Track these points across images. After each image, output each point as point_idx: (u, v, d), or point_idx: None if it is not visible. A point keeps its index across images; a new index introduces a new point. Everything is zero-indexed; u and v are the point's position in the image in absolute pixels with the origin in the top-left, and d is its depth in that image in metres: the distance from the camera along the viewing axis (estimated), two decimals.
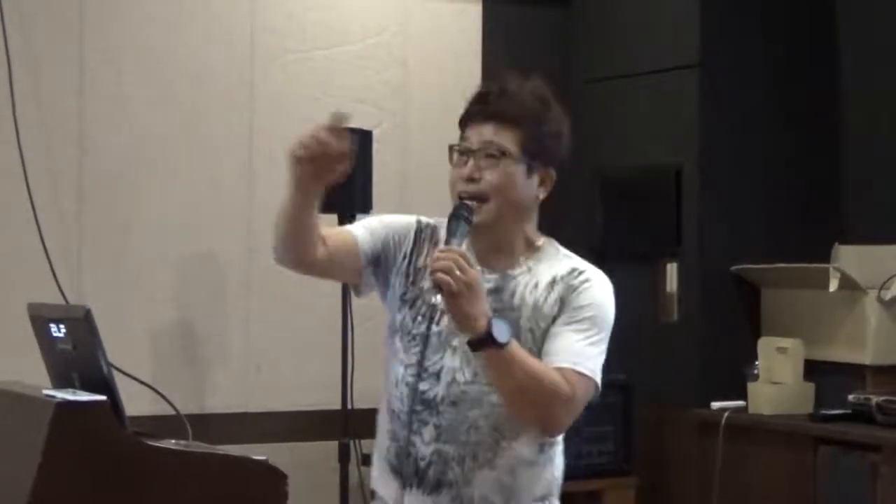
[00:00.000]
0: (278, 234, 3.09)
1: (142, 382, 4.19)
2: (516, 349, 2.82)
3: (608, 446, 5.71)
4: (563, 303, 2.92)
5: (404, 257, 3.05)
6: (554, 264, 2.98)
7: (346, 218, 5.31)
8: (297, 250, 3.07)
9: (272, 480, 3.50)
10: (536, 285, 2.95)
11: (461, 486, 2.94)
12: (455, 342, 2.93)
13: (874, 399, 5.11)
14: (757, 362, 5.56)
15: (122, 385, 3.48)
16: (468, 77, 6.09)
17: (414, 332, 2.99)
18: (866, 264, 5.39)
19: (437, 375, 2.96)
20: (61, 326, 3.54)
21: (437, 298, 2.81)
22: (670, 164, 5.86)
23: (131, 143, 5.46)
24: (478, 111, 2.98)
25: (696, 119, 5.79)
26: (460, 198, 2.93)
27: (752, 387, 5.54)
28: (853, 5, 5.92)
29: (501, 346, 2.78)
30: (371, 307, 5.91)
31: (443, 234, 2.96)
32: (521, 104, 2.97)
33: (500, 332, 2.78)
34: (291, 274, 5.85)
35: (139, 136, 5.48)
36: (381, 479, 3.07)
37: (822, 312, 5.55)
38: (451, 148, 2.99)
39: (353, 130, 5.46)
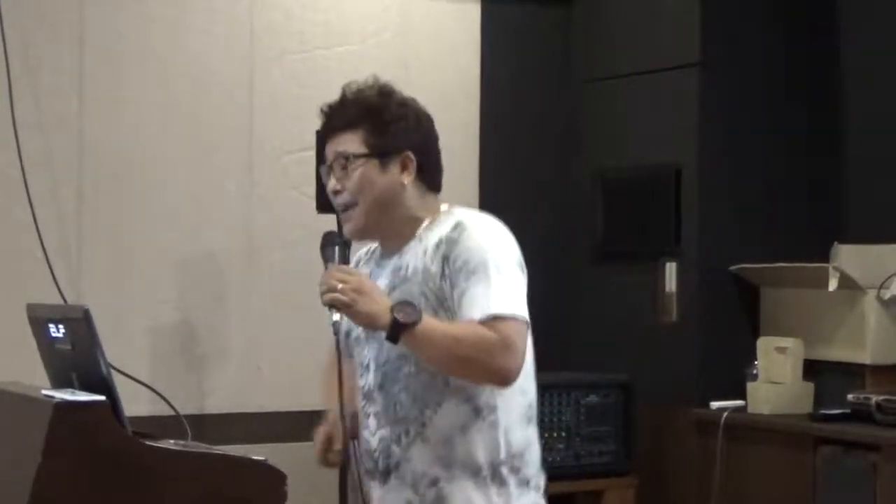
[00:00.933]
0: None
1: (141, 383, 4.19)
2: (430, 322, 2.87)
3: (608, 446, 5.71)
4: (446, 260, 2.95)
5: None
6: (442, 227, 3.02)
7: None
8: None
9: (272, 480, 3.50)
10: (425, 252, 3.01)
11: (402, 465, 3.00)
12: (378, 332, 2.98)
13: (874, 398, 5.11)
14: (756, 362, 5.56)
15: (122, 385, 3.48)
16: (468, 77, 6.10)
17: (352, 338, 3.14)
18: (866, 264, 5.39)
19: (368, 367, 3.08)
20: (60, 327, 3.53)
21: (337, 316, 2.88)
22: (670, 164, 5.86)
23: (130, 144, 5.46)
24: (325, 127, 3.11)
25: (695, 119, 5.79)
26: (339, 211, 3.06)
27: (751, 386, 5.54)
28: (854, 4, 5.92)
29: (412, 325, 2.83)
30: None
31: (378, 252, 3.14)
32: (356, 104, 3.07)
33: (407, 314, 2.84)
34: (291, 274, 5.89)
35: (138, 136, 5.48)
36: (370, 485, 3.13)
37: (822, 312, 5.54)
38: (317, 171, 3.22)
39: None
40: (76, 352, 3.49)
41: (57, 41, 5.36)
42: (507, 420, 3.00)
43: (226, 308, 5.64)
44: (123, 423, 3.36)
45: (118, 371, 3.63)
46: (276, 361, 5.67)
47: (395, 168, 3.04)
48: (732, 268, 5.76)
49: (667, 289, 5.89)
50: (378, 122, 3.04)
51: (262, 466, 3.51)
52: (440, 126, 3.19)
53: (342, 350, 2.95)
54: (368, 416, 3.07)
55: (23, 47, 5.27)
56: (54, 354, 3.63)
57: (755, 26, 5.87)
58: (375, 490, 3.07)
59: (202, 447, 3.56)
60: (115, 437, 3.30)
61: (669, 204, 5.85)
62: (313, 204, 5.36)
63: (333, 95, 5.79)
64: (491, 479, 2.97)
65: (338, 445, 3.11)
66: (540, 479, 3.07)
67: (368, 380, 3.07)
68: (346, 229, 3.05)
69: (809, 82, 5.93)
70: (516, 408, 3.02)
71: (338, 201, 3.05)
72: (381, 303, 2.87)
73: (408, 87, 5.89)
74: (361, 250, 3.24)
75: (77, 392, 3.39)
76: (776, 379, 5.52)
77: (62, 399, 3.27)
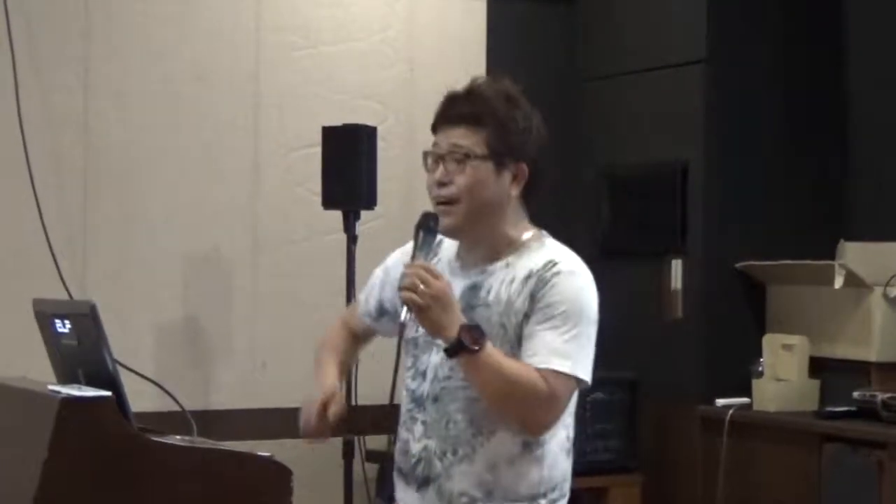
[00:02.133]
0: None
1: (147, 379, 4.20)
2: (491, 353, 2.85)
3: (613, 443, 5.71)
4: (532, 298, 2.92)
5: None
6: (533, 258, 2.98)
7: (351, 213, 5.32)
8: None
9: (277, 476, 3.50)
10: (512, 280, 2.97)
11: (443, 481, 2.99)
12: (439, 340, 2.96)
13: (879, 396, 5.11)
14: (762, 359, 5.56)
15: (127, 382, 3.48)
16: (473, 74, 6.08)
17: (409, 336, 3.05)
18: (872, 261, 5.39)
19: (424, 374, 3.04)
20: (66, 322, 3.54)
21: (405, 315, 2.85)
22: (676, 161, 5.85)
23: (136, 140, 5.46)
24: (445, 115, 3.03)
25: (701, 115, 5.78)
26: (435, 201, 2.99)
27: (757, 384, 5.54)
28: (859, 1, 5.91)
29: (474, 351, 2.82)
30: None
31: (446, 244, 3.07)
32: (486, 104, 2.99)
33: (474, 339, 2.83)
34: (295, 271, 5.89)
35: (144, 132, 5.48)
36: (395, 482, 3.13)
37: (828, 309, 5.54)
38: (424, 154, 3.05)
39: (358, 127, 5.51)
40: (82, 347, 3.49)
41: (63, 38, 5.36)
42: (552, 455, 3.01)
43: (231, 304, 5.64)
44: (129, 419, 3.36)
45: (124, 367, 3.64)
46: (281, 357, 5.67)
47: (507, 177, 2.98)
48: (738, 265, 5.75)
49: (672, 286, 5.89)
50: (505, 127, 2.97)
51: (268, 462, 3.51)
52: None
53: (401, 351, 2.95)
54: (416, 421, 3.04)
55: (29, 44, 5.27)
56: (60, 350, 3.63)
57: (761, 23, 5.86)
58: (407, 492, 3.07)
59: (208, 443, 3.57)
60: (120, 433, 3.30)
61: (675, 201, 5.85)
62: (319, 200, 5.36)
63: (339, 92, 5.85)
64: None
65: (333, 409, 3.15)
66: (568, 490, 3.08)
67: (423, 387, 3.04)
68: (444, 223, 2.97)
69: (815, 79, 5.92)
70: (561, 442, 3.03)
71: (440, 193, 2.98)
72: (452, 318, 2.84)
73: (413, 83, 5.97)
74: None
75: (83, 387, 3.39)
76: (782, 376, 5.52)
77: (68, 394, 3.27)
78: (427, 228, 2.94)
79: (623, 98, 6.19)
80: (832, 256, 5.42)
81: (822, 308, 5.57)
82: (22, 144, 5.16)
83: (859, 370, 5.39)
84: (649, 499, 5.79)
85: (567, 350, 2.91)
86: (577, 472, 4.91)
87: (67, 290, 5.13)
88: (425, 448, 3.01)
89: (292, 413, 5.62)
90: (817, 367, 5.54)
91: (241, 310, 5.64)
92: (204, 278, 5.60)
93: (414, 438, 3.04)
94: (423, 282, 2.82)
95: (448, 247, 3.09)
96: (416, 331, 3.01)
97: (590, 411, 5.65)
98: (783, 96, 5.88)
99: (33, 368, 3.94)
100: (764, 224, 5.80)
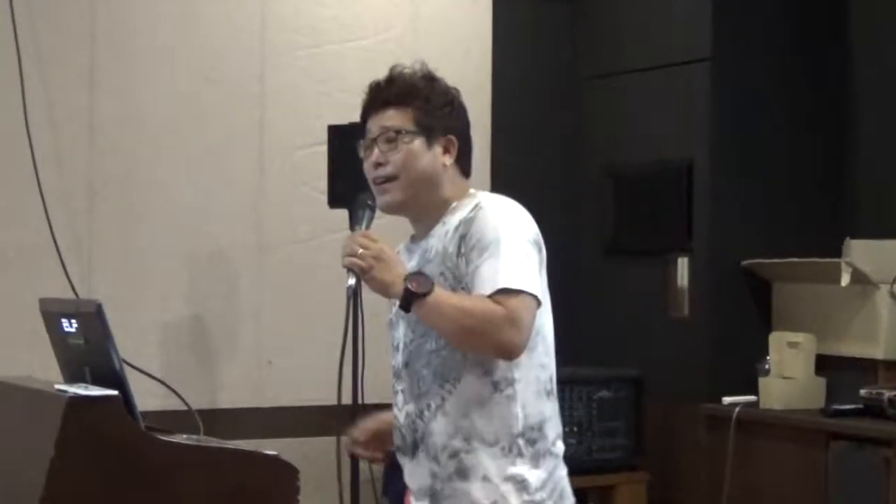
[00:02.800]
0: None
1: (153, 377, 4.21)
2: (440, 293, 2.94)
3: (619, 441, 5.71)
4: (463, 238, 3.02)
5: None
6: (463, 210, 3.09)
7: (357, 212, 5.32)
8: None
9: (284, 475, 3.50)
10: (446, 233, 3.08)
11: (426, 438, 3.07)
12: (403, 314, 3.07)
13: (886, 394, 5.10)
14: (768, 357, 5.55)
15: (133, 380, 3.48)
16: (478, 72, 6.09)
17: (387, 319, 3.22)
18: (878, 259, 5.38)
19: (398, 347, 3.18)
20: (73, 321, 3.54)
21: (352, 281, 2.98)
22: (681, 159, 5.85)
23: (141, 139, 5.47)
24: (371, 101, 3.22)
25: (707, 114, 5.78)
26: (374, 183, 3.15)
27: (763, 382, 5.53)
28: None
29: (423, 295, 2.91)
30: (381, 303, 5.92)
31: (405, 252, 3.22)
32: (407, 84, 3.20)
33: (419, 283, 2.92)
34: (302, 269, 5.89)
35: (149, 131, 5.48)
36: (400, 462, 3.20)
37: (834, 307, 5.54)
38: (357, 143, 3.23)
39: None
40: (89, 346, 3.49)
41: (68, 37, 5.36)
42: (524, 394, 3.05)
43: (237, 303, 5.64)
44: (136, 418, 3.36)
45: (130, 366, 3.64)
46: (287, 356, 5.67)
47: (438, 149, 3.14)
48: (744, 263, 5.75)
49: (678, 284, 5.89)
50: (428, 103, 3.16)
51: (275, 461, 3.51)
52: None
53: (357, 315, 3.09)
54: (397, 393, 3.15)
55: (34, 43, 5.28)
56: (67, 349, 3.64)
57: (765, 21, 5.86)
58: (406, 465, 3.15)
59: (214, 442, 3.57)
60: (127, 432, 3.30)
61: (681, 199, 5.85)
62: (324, 199, 5.36)
63: (345, 90, 5.85)
64: (508, 451, 3.03)
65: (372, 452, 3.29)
66: (557, 448, 3.11)
67: (397, 359, 3.15)
68: (382, 201, 3.14)
69: (821, 77, 5.92)
70: (534, 382, 3.07)
71: (378, 173, 3.14)
72: (396, 272, 2.96)
73: None
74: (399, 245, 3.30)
75: (90, 386, 3.40)
76: (788, 374, 5.52)
77: (75, 393, 3.27)
78: (363, 205, 3.13)
79: (628, 96, 6.18)
80: (838, 254, 5.41)
81: (829, 306, 5.56)
82: (28, 144, 5.17)
83: (866, 368, 5.39)
84: (655, 497, 5.78)
85: (507, 270, 2.96)
86: (583, 470, 4.92)
87: (74, 289, 5.13)
88: (407, 415, 3.11)
89: (298, 412, 5.67)
90: (823, 364, 5.53)
91: (246, 309, 5.65)
92: (210, 277, 5.60)
93: (399, 410, 3.14)
94: (362, 246, 2.97)
95: (403, 239, 3.26)
96: (390, 313, 3.13)
97: (596, 409, 5.66)
98: (788, 94, 5.87)
99: (40, 367, 3.95)
100: (769, 222, 5.80)
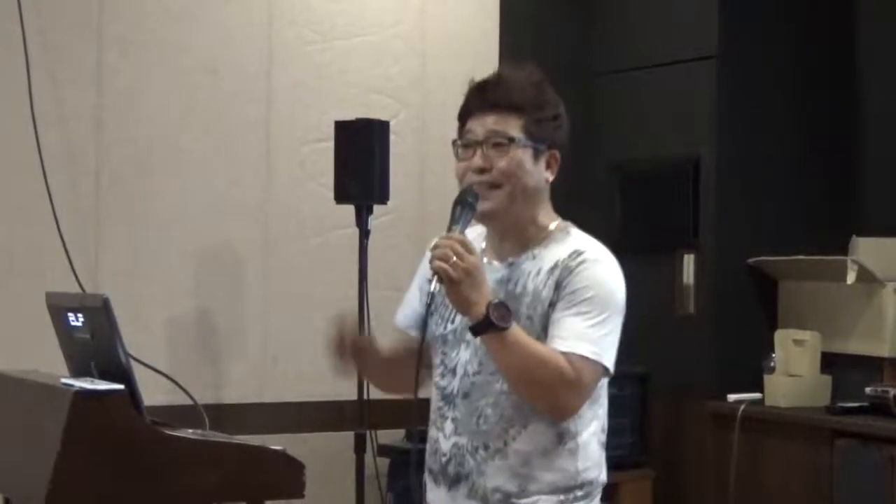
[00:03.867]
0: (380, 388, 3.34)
1: (160, 372, 4.21)
2: (518, 333, 2.81)
3: (624, 439, 5.71)
4: (559, 286, 2.90)
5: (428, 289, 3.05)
6: (559, 248, 2.96)
7: (364, 208, 5.33)
8: (400, 384, 3.11)
9: (290, 470, 3.52)
10: (539, 272, 2.94)
11: (475, 477, 2.94)
12: (468, 336, 2.93)
13: (891, 392, 5.10)
14: (774, 355, 5.55)
15: (139, 375, 3.49)
16: (485, 68, 6.05)
17: (437, 334, 3.03)
18: (884, 256, 5.38)
19: (454, 371, 3.00)
20: (79, 316, 3.55)
21: (434, 286, 2.80)
22: (687, 156, 5.85)
23: (148, 136, 5.47)
24: (478, 102, 2.99)
25: (713, 111, 5.78)
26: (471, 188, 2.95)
27: (768, 379, 5.53)
28: None
29: (501, 329, 2.78)
30: (386, 299, 5.93)
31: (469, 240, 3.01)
32: (520, 90, 2.99)
33: (501, 316, 2.77)
34: (307, 265, 5.90)
35: (156, 128, 5.48)
36: (426, 483, 3.08)
37: (840, 305, 5.54)
38: (454, 143, 3.02)
39: (371, 121, 5.50)
40: (95, 341, 3.51)
41: (75, 33, 5.36)
42: (585, 447, 2.98)
43: (243, 299, 5.65)
44: (142, 412, 3.37)
45: (137, 360, 3.65)
46: (293, 352, 5.68)
47: (542, 163, 3.00)
48: (750, 260, 5.75)
49: (684, 281, 5.88)
50: (540, 113, 2.99)
51: (281, 456, 3.52)
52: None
53: (427, 337, 2.91)
54: (446, 419, 3.00)
55: (41, 40, 5.28)
56: (73, 343, 3.65)
57: (772, 18, 5.86)
58: (437, 492, 3.03)
59: (220, 436, 3.58)
60: (133, 426, 3.32)
61: (687, 197, 5.84)
62: (331, 195, 5.37)
63: (351, 86, 5.84)
64: (564, 499, 2.95)
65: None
66: (600, 490, 3.05)
67: (453, 384, 3.00)
68: (483, 206, 2.93)
69: (827, 75, 5.91)
70: (595, 434, 3.01)
71: (481, 179, 2.94)
72: (482, 293, 2.78)
73: (425, 77, 5.97)
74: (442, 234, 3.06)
75: (96, 381, 3.41)
76: (794, 372, 5.52)
77: (81, 388, 3.29)
78: (465, 203, 2.90)
79: (635, 93, 6.18)
80: (844, 252, 5.41)
81: (834, 303, 5.56)
82: (35, 140, 5.17)
83: (871, 366, 5.39)
84: (661, 494, 5.79)
85: (593, 336, 2.89)
86: None
87: (80, 284, 5.14)
88: (456, 445, 2.97)
89: (304, 407, 5.67)
90: (829, 362, 5.53)
91: (253, 304, 5.65)
92: (216, 273, 5.60)
93: (444, 436, 3.00)
94: (456, 254, 2.77)
95: (475, 241, 3.02)
96: (444, 328, 2.99)
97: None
98: (794, 92, 5.87)
99: (47, 362, 3.96)
100: (775, 220, 5.80)
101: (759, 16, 5.83)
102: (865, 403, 5.19)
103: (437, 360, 3.05)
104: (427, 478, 3.06)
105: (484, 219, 2.97)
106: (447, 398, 3.01)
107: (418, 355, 2.85)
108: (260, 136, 5.68)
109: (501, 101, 2.96)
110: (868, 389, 5.20)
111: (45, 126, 5.22)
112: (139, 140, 5.45)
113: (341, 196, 5.36)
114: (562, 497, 2.94)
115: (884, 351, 5.35)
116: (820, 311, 5.61)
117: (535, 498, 2.92)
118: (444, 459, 2.99)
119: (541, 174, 2.99)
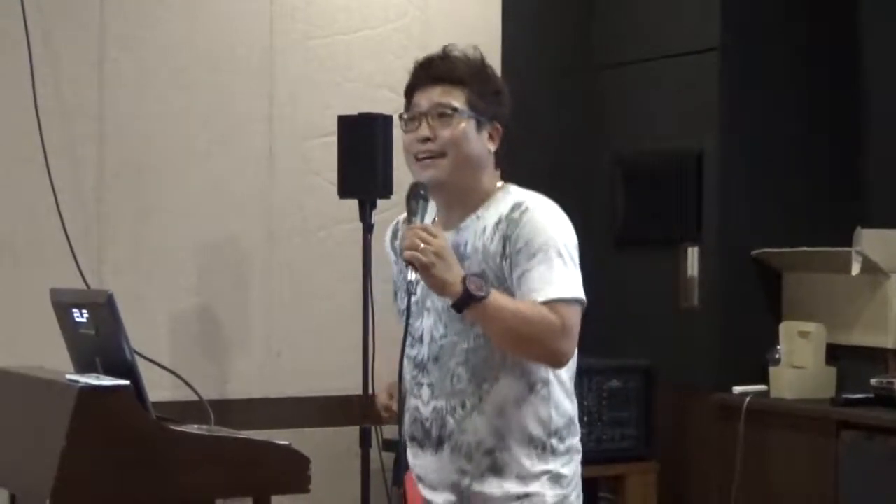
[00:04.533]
0: None
1: (164, 368, 4.20)
2: (498, 298, 2.94)
3: (629, 431, 5.71)
4: (506, 240, 3.02)
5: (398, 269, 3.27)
6: (500, 205, 3.08)
7: (367, 202, 5.33)
8: None
9: (295, 465, 3.52)
10: (484, 229, 3.07)
11: (457, 436, 3.07)
12: (428, 304, 3.09)
13: None
14: (778, 346, 5.56)
15: (144, 372, 3.49)
16: (488, 61, 6.08)
17: (401, 307, 3.13)
18: (889, 248, 5.38)
19: (421, 338, 3.14)
20: (84, 311, 3.55)
21: (412, 275, 2.92)
22: (691, 149, 5.85)
23: (151, 130, 5.47)
24: (423, 76, 3.15)
25: (716, 103, 5.78)
26: (417, 158, 3.11)
27: (773, 371, 5.53)
28: None
29: (481, 299, 2.90)
30: (390, 293, 5.91)
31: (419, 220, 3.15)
32: (464, 65, 3.14)
33: (478, 286, 2.91)
34: (312, 260, 5.89)
35: (159, 122, 5.48)
36: (409, 451, 3.20)
37: (844, 296, 5.54)
38: (400, 116, 3.18)
39: (374, 116, 5.50)
40: (100, 336, 3.50)
41: (78, 28, 5.36)
42: (556, 394, 3.10)
43: (247, 294, 5.65)
44: (147, 408, 3.37)
45: (141, 356, 3.64)
46: (297, 347, 5.68)
47: (485, 134, 3.12)
48: (754, 252, 5.75)
49: (688, 274, 5.89)
50: (485, 87, 3.12)
51: (286, 451, 3.52)
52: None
53: (411, 311, 3.03)
54: (421, 385, 3.13)
55: (44, 35, 5.28)
56: (78, 339, 3.65)
57: (775, 10, 5.85)
58: (424, 457, 3.15)
59: (226, 431, 3.58)
60: (139, 422, 3.31)
61: (691, 189, 5.85)
62: (334, 189, 5.36)
63: (354, 80, 5.84)
64: (542, 449, 3.07)
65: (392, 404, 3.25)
66: (579, 445, 3.18)
67: (422, 351, 3.13)
68: (427, 175, 3.09)
69: (831, 66, 5.91)
70: (566, 382, 3.13)
71: (425, 147, 3.09)
72: (456, 272, 2.92)
73: None
74: (398, 219, 3.31)
75: (101, 377, 3.41)
76: (798, 364, 5.52)
77: (86, 384, 3.28)
78: (418, 195, 3.05)
79: (638, 86, 6.18)
80: (848, 244, 5.41)
81: (839, 295, 5.56)
82: (38, 135, 5.17)
83: (876, 357, 5.39)
84: (666, 486, 5.79)
85: (560, 278, 3.00)
86: (593, 460, 4.91)
87: (84, 279, 5.14)
88: (435, 409, 3.10)
89: (308, 402, 5.67)
90: (834, 354, 5.53)
91: (257, 299, 5.65)
92: (220, 268, 5.60)
93: (423, 402, 3.13)
94: (423, 241, 2.91)
95: (427, 216, 3.18)
96: (406, 300, 3.05)
97: (605, 399, 5.66)
98: (797, 84, 5.87)
99: (51, 358, 3.96)
100: (779, 212, 5.80)
101: (763, 8, 5.83)
102: (871, 395, 5.19)
103: (404, 333, 3.12)
104: (409, 445, 3.18)
105: (432, 185, 3.10)
106: (419, 365, 3.14)
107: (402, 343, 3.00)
108: (263, 131, 5.67)
109: (446, 76, 3.11)
110: (873, 381, 5.20)
111: (49, 122, 5.22)
112: (142, 135, 5.45)
113: (344, 190, 5.35)
114: (538, 443, 3.06)
115: (889, 342, 5.35)
116: (825, 303, 5.61)
117: (516, 448, 3.04)
118: (426, 424, 3.12)
119: (483, 144, 3.11)
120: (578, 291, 3.03)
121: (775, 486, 5.42)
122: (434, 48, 3.25)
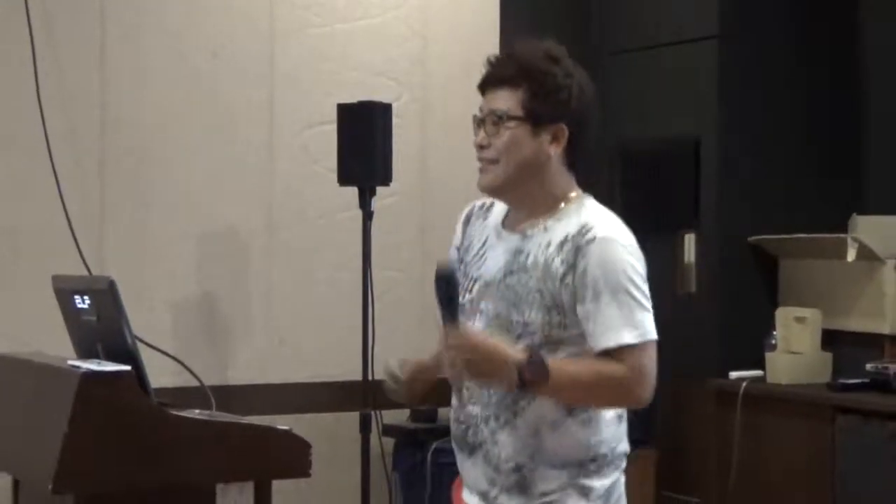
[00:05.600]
0: None
1: (165, 354, 4.23)
2: (559, 374, 2.83)
3: (627, 417, 5.72)
4: (571, 268, 2.89)
5: (459, 256, 3.13)
6: (570, 222, 2.96)
7: (367, 190, 5.35)
8: None
9: (296, 450, 3.54)
10: (549, 244, 2.95)
11: (489, 447, 2.97)
12: (482, 306, 2.97)
13: (892, 368, 5.13)
14: (775, 332, 5.57)
15: (146, 358, 3.51)
16: (487, 49, 6.05)
17: (462, 304, 3.00)
18: (884, 234, 5.40)
19: None
20: (85, 298, 3.57)
21: (468, 383, 2.90)
22: (689, 136, 5.86)
23: (152, 119, 5.49)
24: (485, 79, 3.02)
25: (715, 91, 5.78)
26: (480, 171, 2.99)
27: (770, 357, 5.55)
28: None
29: (542, 384, 2.81)
30: (391, 280, 5.95)
31: (496, 209, 3.08)
32: (521, 64, 2.98)
33: (533, 372, 2.80)
34: (312, 247, 5.91)
35: (160, 110, 5.50)
36: (454, 450, 3.11)
37: (840, 282, 5.55)
38: (473, 118, 3.04)
39: (373, 104, 5.52)
40: (101, 323, 3.52)
41: (79, 17, 5.38)
42: (599, 420, 2.98)
43: (247, 281, 5.67)
44: (149, 393, 3.39)
45: (143, 342, 3.67)
46: (298, 334, 5.70)
47: (545, 137, 2.97)
48: (751, 239, 5.77)
49: (686, 260, 5.90)
50: (539, 87, 2.95)
51: (287, 436, 3.54)
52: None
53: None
54: (461, 389, 3.03)
55: (46, 23, 5.30)
56: (80, 325, 3.67)
57: None
58: (461, 457, 3.06)
59: (227, 417, 3.60)
60: (140, 407, 3.34)
61: (689, 176, 5.86)
62: (334, 177, 5.39)
63: (353, 69, 5.85)
64: (576, 474, 2.96)
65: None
66: (623, 461, 3.06)
67: None
68: (481, 181, 2.99)
69: (829, 54, 5.91)
70: (611, 411, 3.02)
71: (481, 155, 2.99)
72: (507, 365, 2.80)
73: (427, 60, 5.98)
74: (476, 203, 3.17)
75: (103, 362, 3.43)
76: (795, 349, 5.54)
77: (88, 369, 3.30)
78: (440, 288, 2.87)
79: (637, 74, 6.19)
80: (845, 230, 5.43)
81: (835, 281, 5.58)
82: (41, 123, 5.19)
83: (872, 343, 5.41)
84: (664, 472, 5.81)
85: (629, 321, 2.90)
86: None
87: (86, 266, 5.17)
88: (470, 414, 3.00)
89: (309, 388, 5.70)
90: (830, 339, 5.55)
91: (257, 287, 5.67)
92: (220, 255, 5.62)
93: (460, 405, 3.03)
94: (462, 351, 2.80)
95: (497, 212, 3.09)
96: (462, 297, 2.98)
97: None
98: (796, 71, 5.87)
99: (53, 344, 3.98)
100: (777, 198, 5.81)
101: None
102: (866, 380, 5.21)
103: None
104: (453, 443, 3.09)
105: (489, 192, 3.02)
106: None
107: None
108: (263, 119, 5.69)
109: (503, 77, 2.97)
110: (869, 366, 5.22)
111: (51, 110, 5.24)
112: (143, 123, 5.47)
113: (344, 178, 5.38)
114: (571, 468, 2.94)
115: (884, 328, 5.38)
116: (821, 289, 5.63)
117: (545, 469, 2.93)
118: (462, 427, 3.02)
119: (541, 148, 2.96)
120: (649, 333, 2.93)
121: (772, 471, 5.44)
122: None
